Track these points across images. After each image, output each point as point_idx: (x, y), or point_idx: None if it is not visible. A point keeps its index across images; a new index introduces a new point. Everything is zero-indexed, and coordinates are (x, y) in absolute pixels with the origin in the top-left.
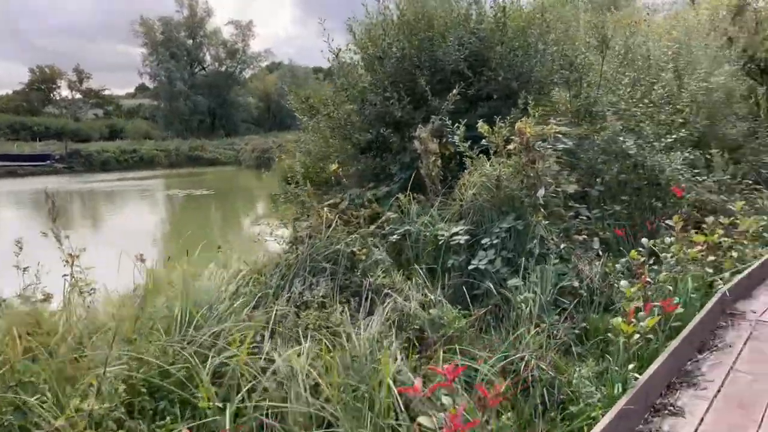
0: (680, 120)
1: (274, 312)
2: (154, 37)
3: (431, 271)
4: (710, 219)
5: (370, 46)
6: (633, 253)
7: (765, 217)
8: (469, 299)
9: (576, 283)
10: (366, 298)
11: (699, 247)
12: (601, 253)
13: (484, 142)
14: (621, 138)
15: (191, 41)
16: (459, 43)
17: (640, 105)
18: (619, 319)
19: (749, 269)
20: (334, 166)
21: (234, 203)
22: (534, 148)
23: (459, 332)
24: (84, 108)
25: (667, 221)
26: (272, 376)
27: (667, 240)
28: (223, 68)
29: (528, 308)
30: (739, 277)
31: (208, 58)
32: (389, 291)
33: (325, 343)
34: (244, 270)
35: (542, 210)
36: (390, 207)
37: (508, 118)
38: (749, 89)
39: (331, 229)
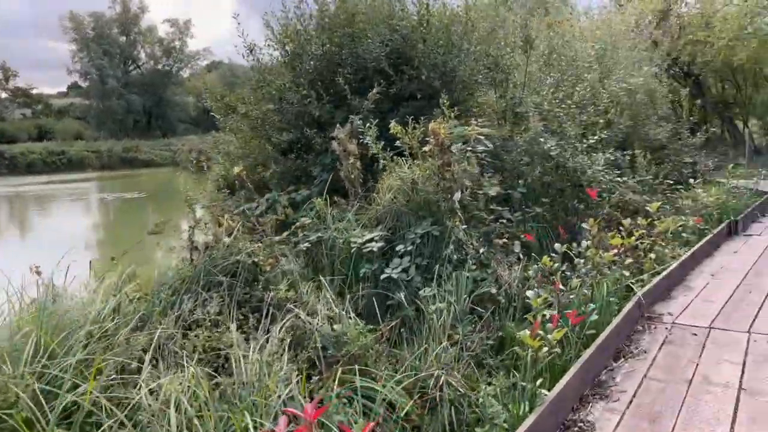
0: (602, 121)
1: (157, 334)
2: (84, 33)
3: (347, 280)
4: (627, 221)
5: (288, 42)
6: (545, 259)
7: (683, 217)
8: (381, 312)
9: (494, 290)
10: (267, 315)
11: (615, 251)
12: (522, 256)
13: (399, 143)
14: (542, 139)
15: (125, 38)
16: (380, 40)
17: (563, 106)
18: (526, 331)
19: (667, 270)
20: (237, 169)
21: (169, 206)
22: (449, 150)
23: (364, 350)
24: (11, 107)
25: (583, 224)
26: (142, 411)
27: (584, 243)
28: (160, 66)
29: (441, 319)
30: (658, 278)
31: (143, 55)
32: (293, 305)
33: (212, 369)
34: (131, 284)
35: (460, 214)
36: (306, 212)
37: (422, 118)
38: (673, 91)
39: (232, 237)
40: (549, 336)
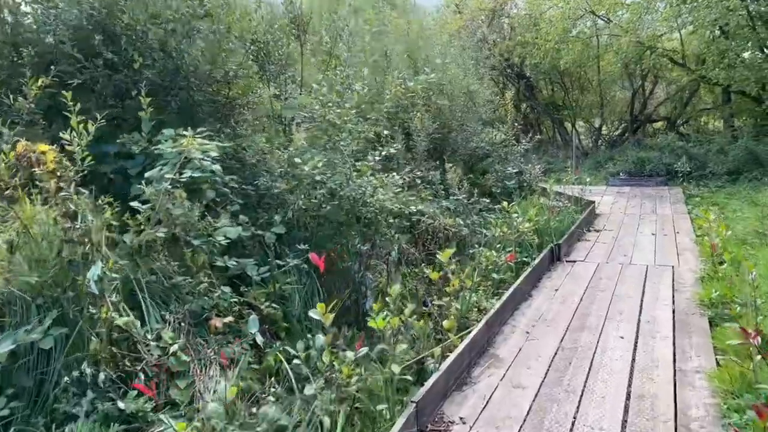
0: (387, 132)
1: None
2: None
3: None
4: (396, 288)
5: None
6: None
7: (494, 253)
8: None
9: None
10: None
11: (359, 349)
12: (262, 339)
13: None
14: (298, 159)
15: None
16: (74, 10)
17: (338, 110)
18: None
19: (469, 337)
20: None
21: None
22: (61, 194)
23: None
24: None
25: (311, 312)
26: None
27: (319, 340)
28: None
29: None
30: (454, 356)
31: None
32: None
33: None
34: None
35: (106, 297)
36: None
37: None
38: (498, 93)
39: None
40: None
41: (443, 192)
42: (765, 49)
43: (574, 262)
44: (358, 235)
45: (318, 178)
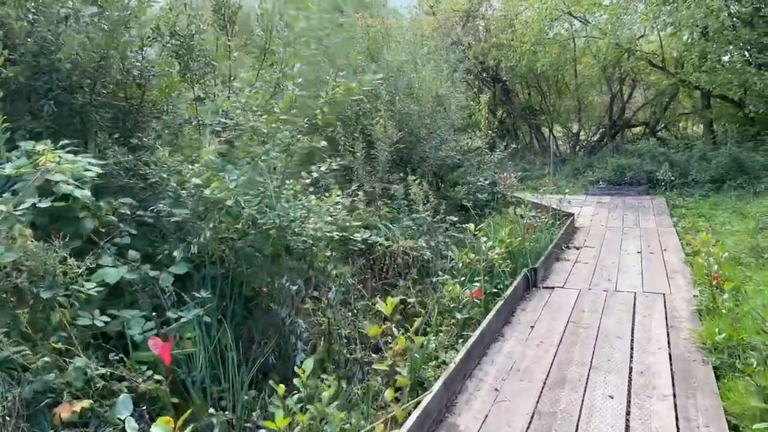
0: (321, 140)
1: None
2: None
3: None
4: (308, 364)
5: None
6: None
7: (459, 287)
8: None
9: None
10: None
11: None
12: (136, 427)
13: None
14: (194, 182)
15: None
16: None
17: (265, 117)
18: None
19: (423, 404)
20: None
21: None
22: None
23: None
24: None
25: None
26: None
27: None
28: None
29: None
30: None
31: None
32: None
33: None
34: None
35: None
36: None
37: None
38: (473, 98)
39: None
40: None
41: (406, 208)
42: (747, 52)
43: (552, 288)
44: (287, 271)
45: (229, 202)
